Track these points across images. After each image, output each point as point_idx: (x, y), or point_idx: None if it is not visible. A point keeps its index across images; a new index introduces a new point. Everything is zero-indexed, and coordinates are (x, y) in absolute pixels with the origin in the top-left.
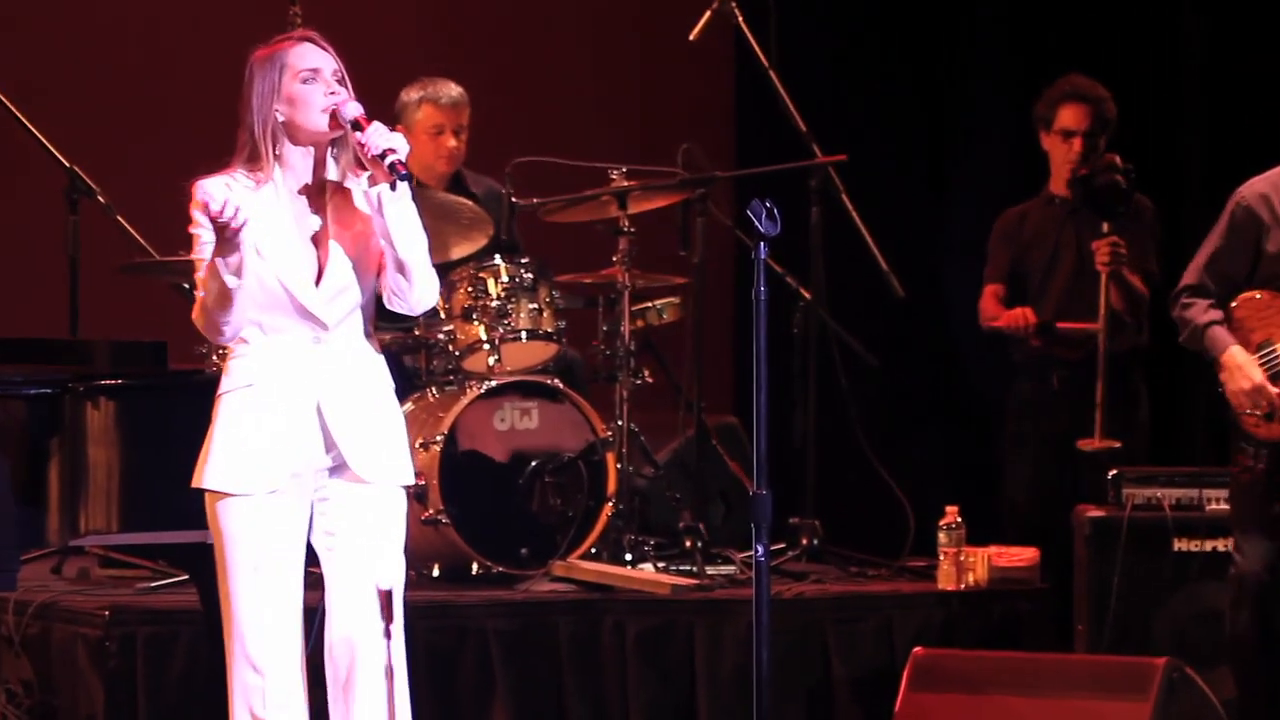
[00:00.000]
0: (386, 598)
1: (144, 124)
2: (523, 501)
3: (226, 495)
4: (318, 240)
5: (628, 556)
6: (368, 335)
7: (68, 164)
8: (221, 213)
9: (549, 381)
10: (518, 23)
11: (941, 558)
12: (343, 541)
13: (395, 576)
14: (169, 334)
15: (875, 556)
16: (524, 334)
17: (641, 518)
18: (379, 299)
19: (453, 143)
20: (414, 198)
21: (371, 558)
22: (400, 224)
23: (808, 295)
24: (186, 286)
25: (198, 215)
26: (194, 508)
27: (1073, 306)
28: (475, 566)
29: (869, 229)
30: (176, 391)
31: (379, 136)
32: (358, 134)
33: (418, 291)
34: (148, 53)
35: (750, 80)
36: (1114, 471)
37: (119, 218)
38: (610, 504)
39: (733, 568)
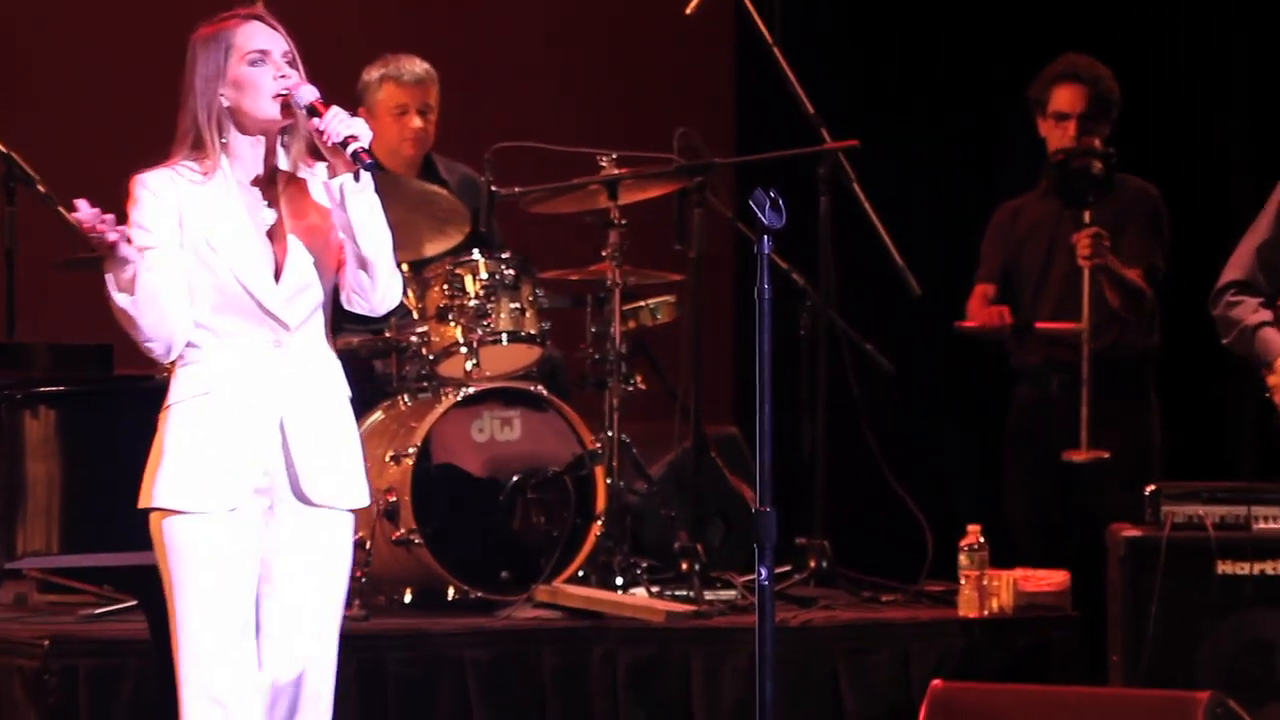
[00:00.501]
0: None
1: (88, 105)
2: (503, 520)
3: (178, 513)
4: (273, 235)
5: (618, 580)
6: (326, 338)
7: (4, 149)
8: (93, 228)
9: (532, 388)
10: None
11: (962, 581)
12: (282, 576)
13: (330, 626)
14: (115, 336)
15: (890, 580)
16: (505, 336)
17: (633, 538)
18: (336, 299)
19: (418, 123)
20: (378, 188)
21: (309, 599)
22: (364, 218)
23: (815, 293)
24: None
25: (136, 217)
26: (144, 527)
27: (1071, 307)
28: (451, 591)
29: (882, 220)
30: (124, 399)
31: (339, 123)
32: (315, 121)
33: (381, 290)
34: (91, 28)
35: (752, 58)
36: (1151, 487)
37: (60, 208)
38: (599, 523)
39: (733, 593)
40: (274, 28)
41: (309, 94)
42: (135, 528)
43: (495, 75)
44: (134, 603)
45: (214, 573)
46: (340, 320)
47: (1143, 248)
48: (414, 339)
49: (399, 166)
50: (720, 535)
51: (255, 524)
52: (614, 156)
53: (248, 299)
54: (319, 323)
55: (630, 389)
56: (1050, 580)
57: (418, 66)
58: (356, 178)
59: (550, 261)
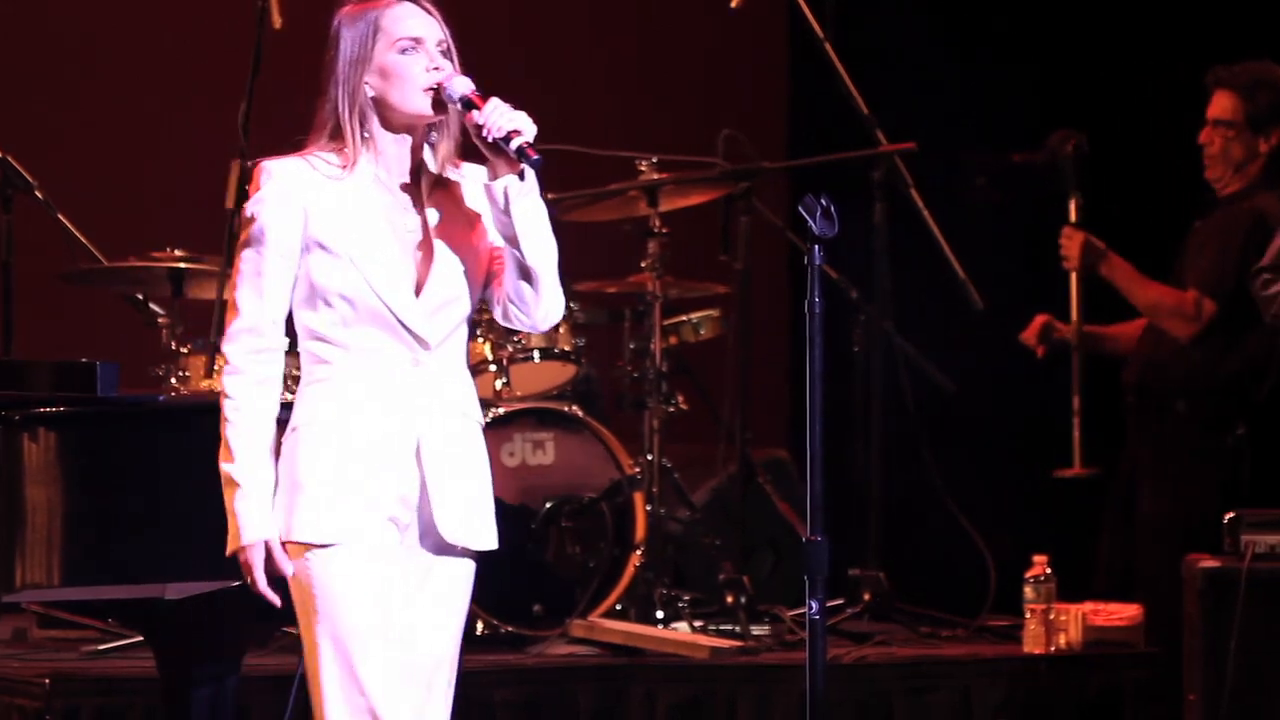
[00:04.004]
0: None
1: (89, 108)
2: (536, 550)
3: (318, 547)
4: (418, 242)
5: (659, 614)
6: (465, 356)
7: None
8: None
9: (566, 409)
10: None
11: (1028, 616)
12: (402, 623)
13: (448, 678)
14: (119, 353)
15: (950, 614)
16: (536, 353)
17: (675, 569)
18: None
19: None
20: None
21: (437, 644)
22: (530, 222)
23: (870, 307)
24: (140, 298)
25: (257, 210)
26: (150, 557)
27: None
28: (480, 626)
29: (942, 228)
30: (129, 421)
31: (500, 116)
32: (473, 114)
33: (546, 303)
34: (94, 27)
35: (804, 55)
36: (1231, 514)
37: (60, 216)
38: (638, 553)
39: (782, 627)
40: (429, 12)
41: (463, 86)
42: (142, 558)
43: (525, 71)
44: (140, 638)
45: (371, 611)
46: None
47: (1208, 265)
48: None
49: None
50: (768, 566)
51: (395, 557)
52: (654, 160)
53: (385, 313)
54: (460, 340)
55: (672, 410)
56: (1122, 614)
57: None
58: (521, 177)
59: (585, 273)
